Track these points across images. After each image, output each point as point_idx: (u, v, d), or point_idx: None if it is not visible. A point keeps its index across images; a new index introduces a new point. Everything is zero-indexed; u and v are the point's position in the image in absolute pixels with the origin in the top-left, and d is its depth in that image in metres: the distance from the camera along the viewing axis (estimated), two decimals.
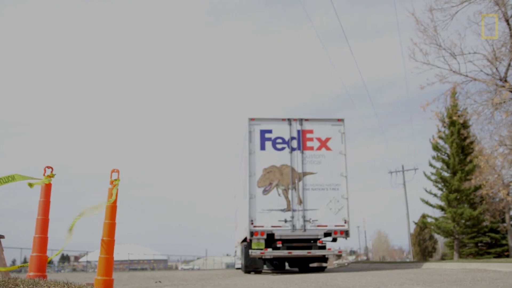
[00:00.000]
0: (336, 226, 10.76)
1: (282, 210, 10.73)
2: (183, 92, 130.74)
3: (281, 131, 11.28)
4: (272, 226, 10.62)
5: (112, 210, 4.58)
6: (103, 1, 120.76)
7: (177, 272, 18.97)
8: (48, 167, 5.12)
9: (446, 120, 30.20)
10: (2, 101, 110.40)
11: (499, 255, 32.73)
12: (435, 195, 32.79)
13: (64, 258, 56.89)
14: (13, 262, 34.43)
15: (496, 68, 14.30)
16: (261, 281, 6.79)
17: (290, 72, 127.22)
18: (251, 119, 11.28)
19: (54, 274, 17.50)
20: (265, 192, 10.82)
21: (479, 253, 34.54)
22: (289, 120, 11.42)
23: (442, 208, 33.00)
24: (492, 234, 33.99)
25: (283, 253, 10.60)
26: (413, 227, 42.31)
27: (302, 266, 12.88)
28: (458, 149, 31.57)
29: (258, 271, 11.54)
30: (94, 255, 36.72)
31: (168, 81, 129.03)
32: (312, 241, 10.91)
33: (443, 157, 32.97)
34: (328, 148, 11.29)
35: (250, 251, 10.51)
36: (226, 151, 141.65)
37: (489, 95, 14.52)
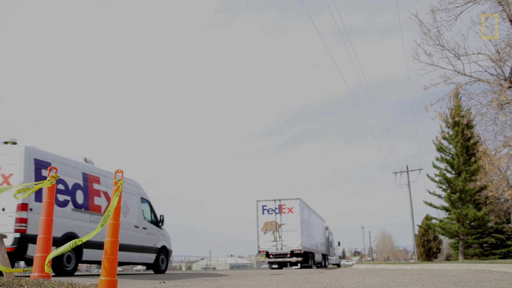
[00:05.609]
0: (296, 247, 21.68)
1: (272, 241, 22.00)
2: (185, 91, 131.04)
3: (271, 205, 22.51)
4: (268, 248, 21.98)
5: (116, 211, 4.57)
6: (104, 5, 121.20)
7: (181, 272, 19.13)
8: (52, 168, 5.14)
9: (450, 120, 30.09)
10: (7, 103, 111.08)
11: (504, 256, 32.58)
12: (439, 196, 32.66)
13: None
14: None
15: (501, 68, 14.22)
16: (265, 282, 6.77)
17: (298, 71, 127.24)
18: (258, 201, 22.62)
19: None
20: (264, 233, 22.15)
21: (484, 254, 34.39)
22: (274, 200, 22.45)
23: (446, 209, 32.86)
24: (497, 235, 33.83)
25: (272, 260, 22.25)
26: (417, 228, 42.17)
27: (284, 266, 24.22)
28: (463, 149, 31.43)
29: (274, 269, 22.61)
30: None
31: (173, 81, 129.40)
32: (285, 254, 21.84)
33: (447, 157, 32.82)
34: (292, 212, 22.19)
35: (260, 259, 22.67)
36: (231, 151, 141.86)
37: (494, 95, 14.45)
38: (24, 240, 8.20)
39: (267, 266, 24.19)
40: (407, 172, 35.22)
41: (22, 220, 8.29)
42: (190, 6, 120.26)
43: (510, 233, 33.11)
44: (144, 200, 12.37)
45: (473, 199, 31.13)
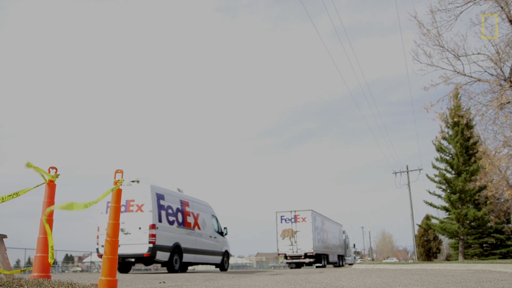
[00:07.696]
0: (308, 250, 25.53)
1: (289, 245, 25.94)
2: (184, 90, 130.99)
3: (288, 215, 26.40)
4: (285, 251, 26.01)
5: (116, 210, 4.58)
6: (105, 3, 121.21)
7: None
8: (52, 168, 5.13)
9: (450, 121, 30.08)
10: (7, 102, 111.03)
11: (504, 256, 32.60)
12: (439, 196, 32.66)
13: (68, 259, 57.05)
14: (17, 262, 34.57)
15: (501, 69, 14.22)
16: (265, 282, 6.78)
17: (299, 71, 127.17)
18: (277, 212, 26.65)
19: (58, 274, 17.55)
20: (283, 239, 26.17)
21: (484, 254, 34.42)
22: (290, 211, 26.35)
23: (446, 209, 32.86)
24: (497, 235, 33.85)
25: (289, 260, 26.25)
26: (417, 227, 42.17)
27: (301, 266, 28.25)
28: (463, 149, 31.43)
29: (293, 268, 26.69)
30: None
31: (174, 81, 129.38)
32: (300, 256, 25.80)
33: (447, 157, 32.82)
34: (305, 221, 25.99)
35: (279, 260, 28.42)
36: (232, 151, 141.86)
37: (494, 95, 14.45)
38: (155, 249, 12.37)
39: (268, 266, 28.00)
40: (407, 172, 35.24)
41: (153, 235, 12.37)
42: (190, 5, 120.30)
43: (510, 233, 33.12)
44: (213, 216, 17.07)
45: (473, 199, 31.13)
